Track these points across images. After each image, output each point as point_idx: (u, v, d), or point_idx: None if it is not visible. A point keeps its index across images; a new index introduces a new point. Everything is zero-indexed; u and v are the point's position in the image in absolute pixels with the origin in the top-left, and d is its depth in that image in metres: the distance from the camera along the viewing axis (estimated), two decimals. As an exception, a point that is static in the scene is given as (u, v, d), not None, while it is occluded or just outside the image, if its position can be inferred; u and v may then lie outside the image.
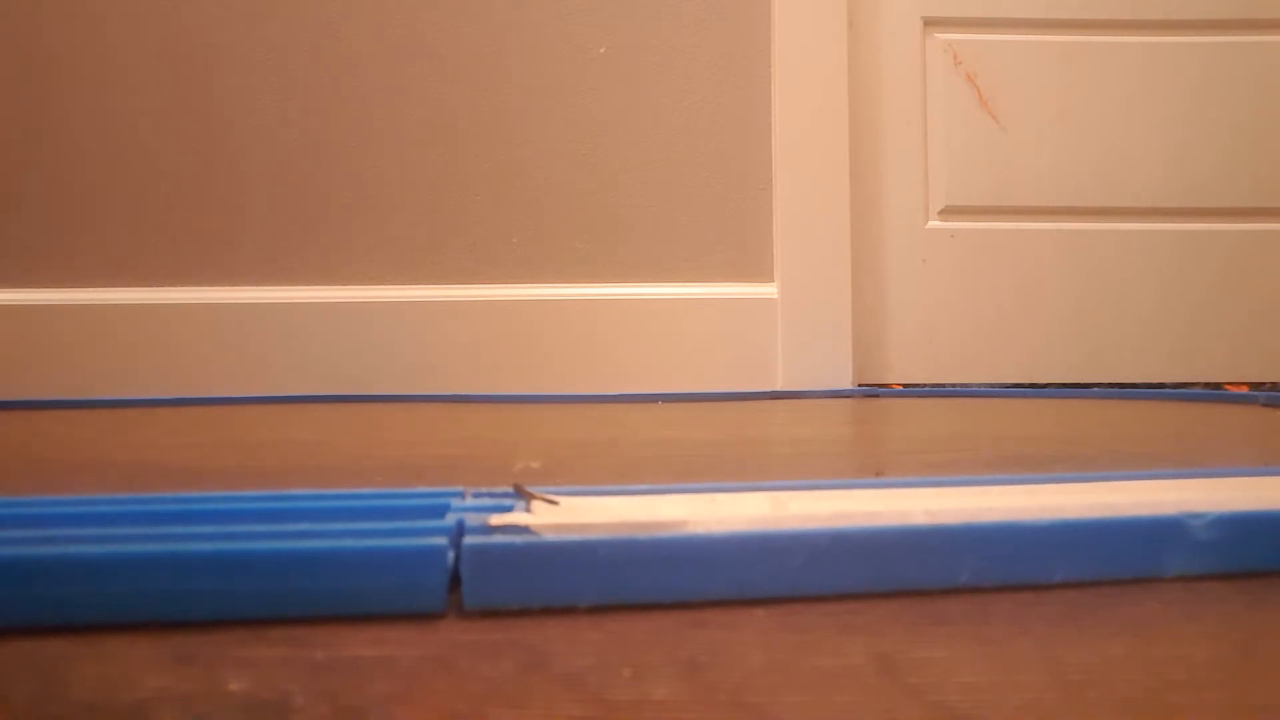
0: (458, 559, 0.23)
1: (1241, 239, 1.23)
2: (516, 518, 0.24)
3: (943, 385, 1.22)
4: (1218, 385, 1.23)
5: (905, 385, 1.22)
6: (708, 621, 0.23)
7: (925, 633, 0.22)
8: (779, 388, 1.17)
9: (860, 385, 1.20)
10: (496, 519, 0.24)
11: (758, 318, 1.17)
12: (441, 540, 0.23)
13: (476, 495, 0.30)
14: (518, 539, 0.23)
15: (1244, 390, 1.17)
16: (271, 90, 1.16)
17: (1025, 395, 1.09)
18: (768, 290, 1.18)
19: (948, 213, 1.22)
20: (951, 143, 1.22)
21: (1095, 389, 1.20)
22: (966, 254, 1.22)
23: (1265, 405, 0.92)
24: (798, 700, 0.18)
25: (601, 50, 1.18)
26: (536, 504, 0.27)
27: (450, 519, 0.25)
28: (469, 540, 0.23)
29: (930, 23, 1.22)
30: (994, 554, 0.25)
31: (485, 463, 0.51)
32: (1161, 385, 1.22)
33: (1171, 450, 0.54)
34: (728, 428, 0.72)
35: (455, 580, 0.23)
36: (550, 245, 1.18)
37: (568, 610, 0.23)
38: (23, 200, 1.14)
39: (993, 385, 1.22)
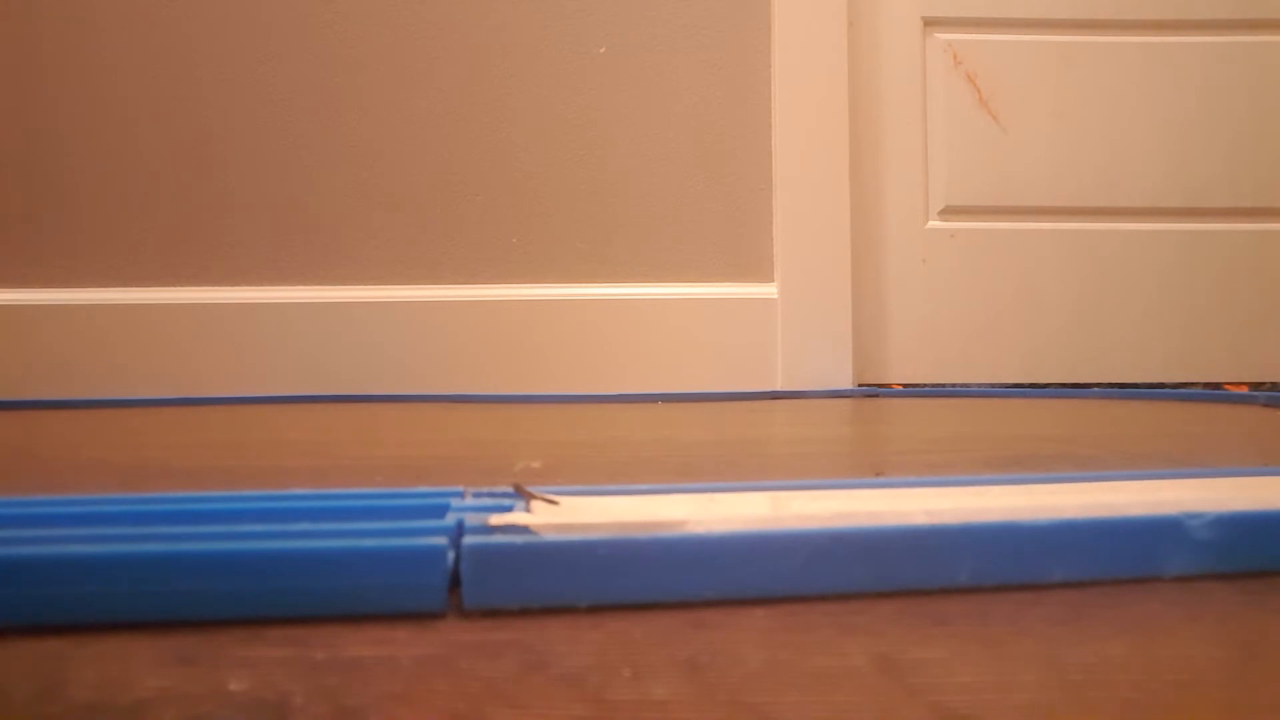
0: (458, 559, 0.23)
1: (1241, 239, 1.23)
2: (516, 518, 0.24)
3: (943, 385, 1.22)
4: (1218, 385, 1.23)
5: (905, 385, 1.22)
6: (708, 621, 0.23)
7: (925, 633, 0.22)
8: (779, 388, 1.17)
9: (860, 385, 1.20)
10: (496, 519, 0.24)
11: (758, 318, 1.17)
12: (441, 540, 0.23)
13: (476, 495, 0.30)
14: (518, 539, 0.23)
15: (1244, 390, 1.17)
16: (271, 90, 1.16)
17: (1025, 395, 1.09)
18: (768, 290, 1.18)
19: (948, 213, 1.22)
20: (951, 143, 1.22)
21: (1095, 389, 1.20)
22: (966, 254, 1.22)
23: (1265, 405, 0.92)
24: (798, 700, 0.18)
25: (601, 50, 1.18)
26: (536, 504, 0.27)
27: (450, 519, 0.25)
28: (469, 540, 0.23)
29: (930, 23, 1.22)
30: (994, 554, 0.25)
31: (485, 463, 0.51)
32: (1161, 385, 1.22)
33: (1171, 450, 0.54)
34: (728, 428, 0.72)
35: (455, 580, 0.23)
36: (550, 245, 1.18)
37: (568, 610, 0.23)
38: (21, 200, 1.14)
39: (993, 385, 1.22)
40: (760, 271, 1.19)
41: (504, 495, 0.29)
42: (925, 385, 1.22)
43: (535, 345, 1.16)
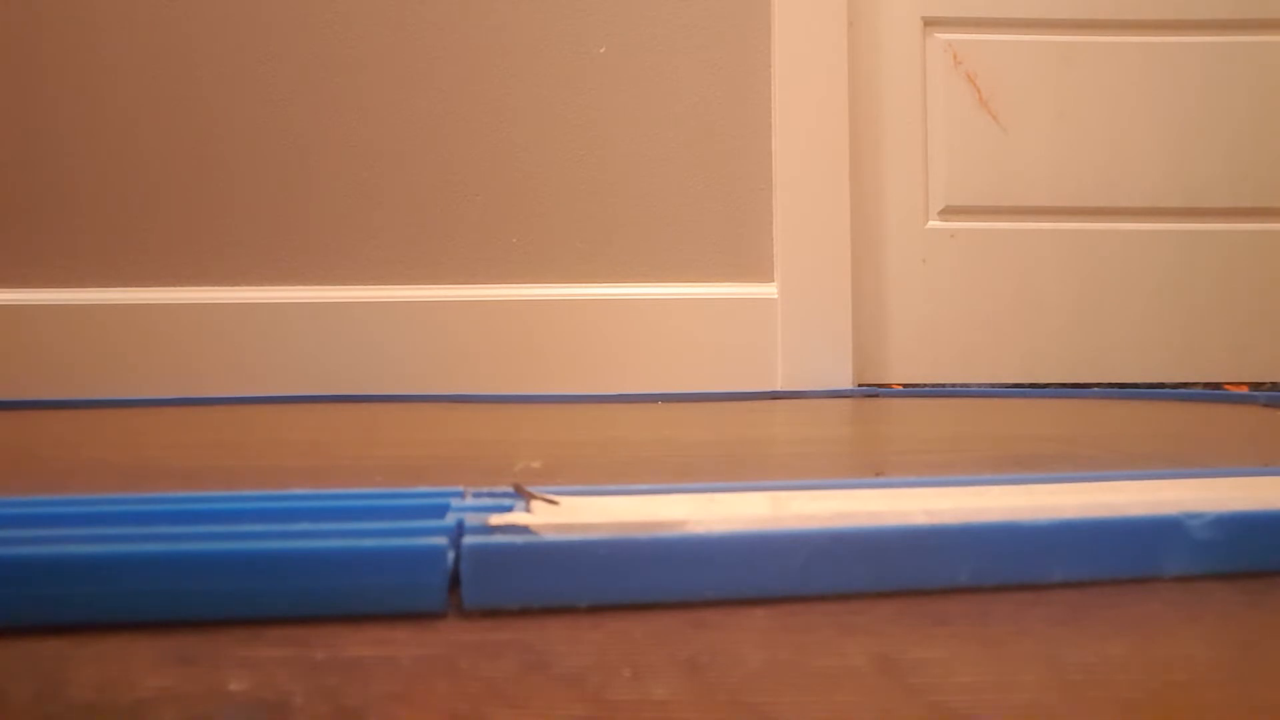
0: (458, 559, 0.23)
1: (1241, 239, 1.23)
2: (516, 518, 0.24)
3: (943, 385, 1.22)
4: (1218, 385, 1.23)
5: (905, 385, 1.22)
6: (708, 621, 0.23)
7: (925, 633, 0.22)
8: (779, 388, 1.17)
9: (860, 385, 1.20)
10: (496, 519, 0.24)
11: (758, 318, 1.17)
12: (441, 540, 0.23)
13: (476, 495, 0.30)
14: (518, 539, 0.23)
15: (1244, 390, 1.17)
16: (271, 90, 1.16)
17: (1025, 395, 1.09)
18: (768, 290, 1.18)
19: (948, 213, 1.22)
20: (951, 143, 1.22)
21: (1095, 389, 1.20)
22: (966, 254, 1.22)
23: (1265, 405, 0.92)
24: (798, 700, 0.18)
25: (601, 50, 1.18)
26: (536, 504, 0.27)
27: (450, 519, 0.25)
28: (469, 540, 0.23)
29: (930, 23, 1.22)
30: (994, 554, 0.25)
31: (485, 463, 0.51)
32: (1161, 385, 1.22)
33: (1171, 450, 0.54)
34: (728, 428, 0.72)
35: (455, 580, 0.23)
36: (550, 245, 1.18)
37: (568, 610, 0.23)
38: (21, 201, 1.14)
39: (993, 385, 1.22)
40: (760, 271, 1.19)
41: (504, 495, 0.29)
42: (925, 385, 1.22)
43: (535, 345, 1.16)
